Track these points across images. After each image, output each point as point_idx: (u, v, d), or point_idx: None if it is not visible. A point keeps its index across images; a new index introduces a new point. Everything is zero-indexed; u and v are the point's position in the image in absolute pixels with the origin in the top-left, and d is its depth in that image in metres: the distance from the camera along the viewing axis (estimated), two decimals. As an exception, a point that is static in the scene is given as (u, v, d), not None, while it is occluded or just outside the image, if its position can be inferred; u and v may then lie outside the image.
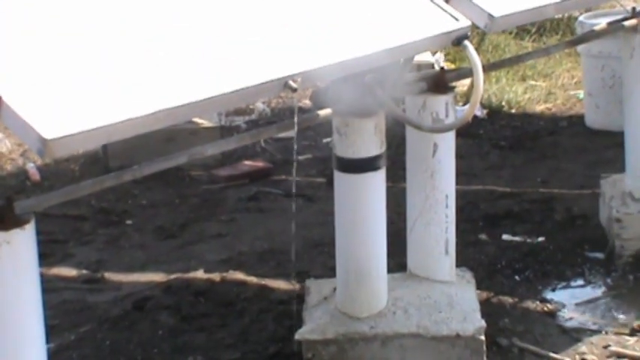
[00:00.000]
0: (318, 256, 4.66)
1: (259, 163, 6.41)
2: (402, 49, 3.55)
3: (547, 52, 6.30)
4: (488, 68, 4.15)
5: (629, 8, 4.99)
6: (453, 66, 4.17)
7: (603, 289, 4.84)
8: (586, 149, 6.54)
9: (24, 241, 3.02)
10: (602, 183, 5.27)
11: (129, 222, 5.88)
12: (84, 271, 5.22)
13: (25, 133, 2.68)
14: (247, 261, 5.40)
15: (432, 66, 4.18)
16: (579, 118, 7.30)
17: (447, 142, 4.12)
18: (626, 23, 4.93)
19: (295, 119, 3.51)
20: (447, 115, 4.04)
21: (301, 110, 3.57)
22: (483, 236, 5.43)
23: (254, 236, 5.84)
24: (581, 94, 7.65)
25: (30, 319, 3.13)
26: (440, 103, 3.98)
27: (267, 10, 3.79)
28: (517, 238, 5.41)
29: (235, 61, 3.45)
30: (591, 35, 5.53)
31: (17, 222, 2.97)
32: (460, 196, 4.39)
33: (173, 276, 5.19)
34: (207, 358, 4.39)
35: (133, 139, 3.21)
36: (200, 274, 5.18)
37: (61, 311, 4.11)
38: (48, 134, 2.67)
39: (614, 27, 5.05)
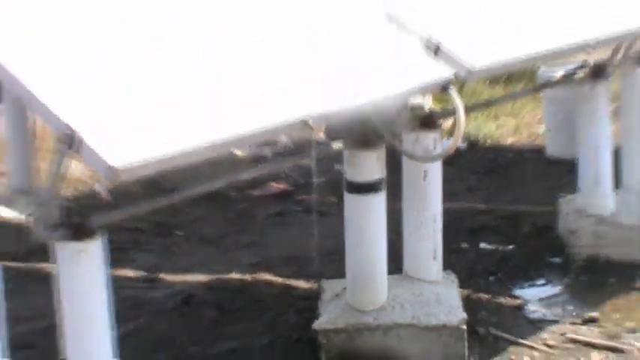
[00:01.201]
0: (331, 262, 4.62)
1: (283, 186, 6.45)
2: (401, 95, 3.58)
3: (514, 97, 6.48)
4: (468, 109, 4.02)
5: (579, 61, 4.96)
6: (439, 106, 4.12)
7: (561, 287, 4.83)
8: (546, 175, 6.50)
9: (96, 249, 3.10)
10: (560, 202, 5.26)
11: (179, 233, 5.87)
12: (142, 273, 5.26)
13: (96, 162, 2.71)
14: (274, 264, 5.38)
15: (422, 107, 4.06)
16: (541, 150, 7.25)
17: (435, 169, 4.15)
18: (576, 75, 4.93)
19: (312, 152, 3.51)
20: (434, 148, 4.07)
21: (317, 143, 3.51)
22: (464, 245, 5.40)
23: (279, 245, 5.80)
24: (542, 129, 7.65)
25: (100, 310, 3.19)
26: (429, 138, 4.00)
27: (289, 54, 3.70)
28: (491, 247, 5.38)
29: (266, 102, 3.35)
30: (550, 84, 5.61)
31: (91, 234, 3.05)
32: (445, 212, 4.34)
33: (214, 277, 5.20)
34: (242, 343, 4.36)
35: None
36: (236, 275, 5.19)
37: (125, 305, 4.08)
38: (115, 163, 2.67)
39: (568, 78, 5.08)
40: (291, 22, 4.01)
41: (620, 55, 4.93)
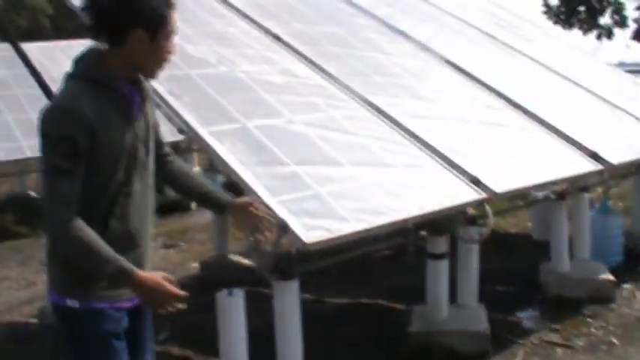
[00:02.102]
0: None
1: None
2: (457, 206, 4.21)
3: (516, 207, 6.89)
4: (493, 214, 4.49)
5: (556, 188, 5.55)
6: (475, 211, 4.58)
7: (541, 313, 5.54)
8: (536, 250, 6.81)
9: (295, 286, 3.68)
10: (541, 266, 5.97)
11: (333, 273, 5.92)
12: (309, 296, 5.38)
13: (296, 239, 3.34)
14: (390, 295, 5.78)
15: (467, 212, 4.53)
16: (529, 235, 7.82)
17: (475, 246, 4.87)
18: (550, 197, 5.71)
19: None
20: (476, 235, 4.72)
21: (408, 230, 4.15)
22: (500, 287, 5.93)
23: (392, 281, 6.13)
24: (530, 224, 8.14)
25: (296, 324, 3.76)
26: (473, 230, 4.71)
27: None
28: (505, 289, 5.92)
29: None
30: (537, 201, 6.04)
31: (293, 276, 3.66)
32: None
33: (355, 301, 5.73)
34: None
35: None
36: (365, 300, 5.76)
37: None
38: (305, 240, 3.34)
39: (546, 198, 5.77)
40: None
41: (571, 188, 5.72)
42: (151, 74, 2.59)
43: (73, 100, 2.39)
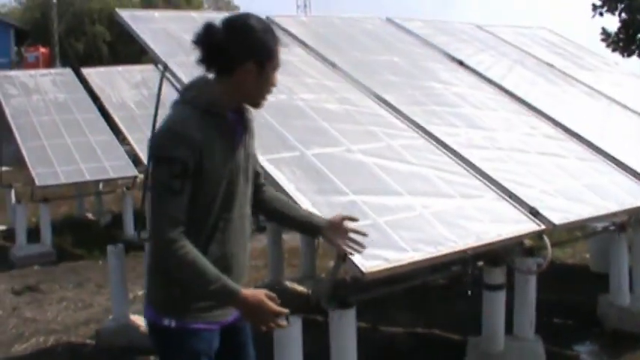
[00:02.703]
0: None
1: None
2: (516, 238, 4.21)
3: (575, 239, 7.23)
4: (552, 245, 4.35)
5: (616, 219, 5.47)
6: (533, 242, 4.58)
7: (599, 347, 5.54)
8: (594, 282, 6.75)
9: (352, 315, 3.72)
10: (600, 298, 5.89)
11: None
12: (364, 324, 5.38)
13: (354, 268, 3.39)
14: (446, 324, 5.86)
15: (524, 243, 4.53)
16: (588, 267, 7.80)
17: (533, 277, 4.76)
18: (610, 228, 5.72)
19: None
20: (533, 267, 4.69)
21: (465, 261, 4.05)
22: (557, 320, 5.94)
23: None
24: (587, 255, 7.97)
25: (352, 349, 3.78)
26: (530, 261, 4.68)
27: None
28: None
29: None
30: (596, 232, 6.15)
31: (349, 306, 3.70)
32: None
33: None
34: None
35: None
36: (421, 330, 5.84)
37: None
38: (363, 269, 3.37)
39: (605, 229, 5.81)
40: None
41: (632, 219, 5.64)
42: (256, 104, 2.74)
43: (183, 125, 2.55)
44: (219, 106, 2.64)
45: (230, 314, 2.80)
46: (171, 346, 2.69)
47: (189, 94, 2.67)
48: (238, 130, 2.73)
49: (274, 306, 2.56)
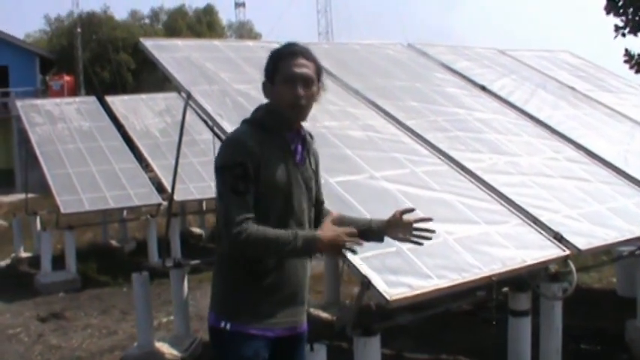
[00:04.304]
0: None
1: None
2: (542, 263, 4.20)
3: (602, 264, 7.23)
4: (577, 269, 4.35)
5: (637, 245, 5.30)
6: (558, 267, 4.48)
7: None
8: (622, 307, 6.70)
9: (376, 341, 3.69)
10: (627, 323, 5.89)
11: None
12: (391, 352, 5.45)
13: (378, 296, 3.42)
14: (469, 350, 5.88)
15: (550, 269, 4.43)
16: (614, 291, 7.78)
17: (558, 303, 4.61)
18: (637, 252, 5.55)
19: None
20: (558, 292, 4.57)
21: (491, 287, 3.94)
22: (584, 346, 5.90)
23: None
24: (614, 279, 8.13)
25: None
26: (555, 286, 4.53)
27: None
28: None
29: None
30: (621, 257, 6.07)
31: (373, 333, 3.68)
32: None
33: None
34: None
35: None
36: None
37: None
38: (390, 296, 3.39)
39: (631, 254, 5.66)
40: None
41: None
42: (289, 116, 2.85)
43: (243, 135, 2.76)
44: (273, 123, 2.80)
45: (287, 323, 2.87)
46: (223, 348, 2.78)
47: (253, 114, 2.88)
48: (297, 149, 2.86)
49: (346, 230, 2.74)
